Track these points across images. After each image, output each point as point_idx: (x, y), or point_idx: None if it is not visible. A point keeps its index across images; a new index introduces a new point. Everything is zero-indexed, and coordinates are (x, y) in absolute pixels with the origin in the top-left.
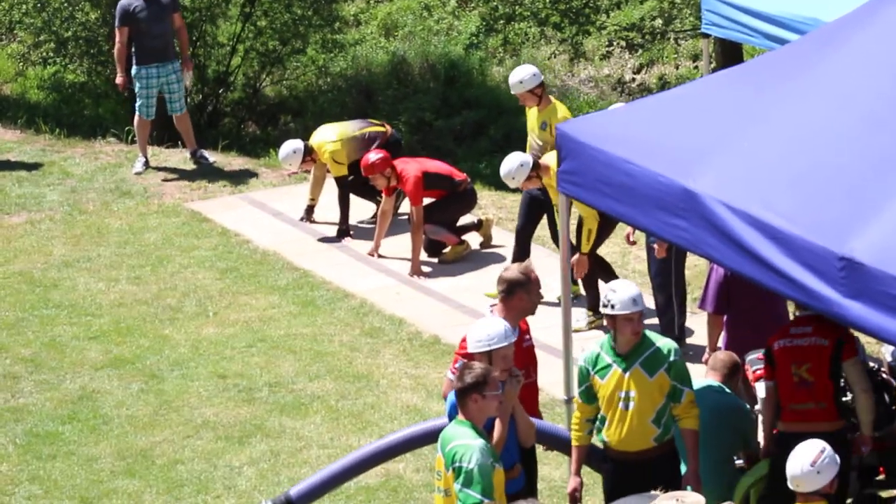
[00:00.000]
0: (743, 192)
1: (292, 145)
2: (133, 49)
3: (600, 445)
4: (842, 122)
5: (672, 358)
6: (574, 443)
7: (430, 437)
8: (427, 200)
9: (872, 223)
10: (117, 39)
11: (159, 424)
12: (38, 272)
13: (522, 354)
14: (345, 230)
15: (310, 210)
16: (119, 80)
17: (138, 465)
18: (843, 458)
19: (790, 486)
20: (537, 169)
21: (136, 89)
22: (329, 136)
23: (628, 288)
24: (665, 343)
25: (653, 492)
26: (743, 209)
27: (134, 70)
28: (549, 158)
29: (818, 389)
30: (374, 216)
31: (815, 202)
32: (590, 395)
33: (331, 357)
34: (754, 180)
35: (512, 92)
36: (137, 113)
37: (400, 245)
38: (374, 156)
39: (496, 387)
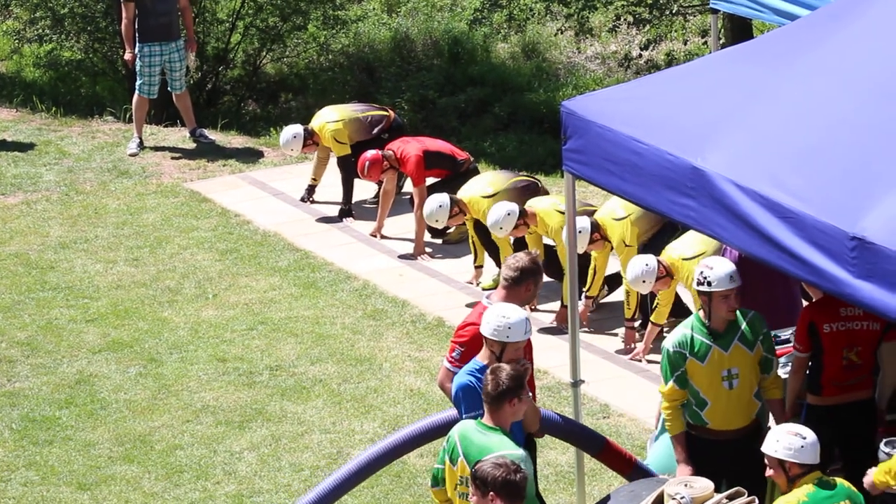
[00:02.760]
0: (752, 171)
1: (292, 130)
2: (136, 26)
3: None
4: (852, 99)
5: (765, 329)
6: (674, 432)
7: (439, 431)
8: (430, 181)
9: (884, 202)
10: (123, 15)
11: (158, 409)
12: (34, 254)
13: None
14: (347, 210)
15: (311, 190)
16: (128, 56)
17: (137, 450)
18: (872, 424)
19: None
20: (524, 216)
21: (138, 67)
22: (331, 117)
23: (725, 264)
24: (753, 315)
25: (661, 476)
26: (752, 188)
27: (137, 48)
28: (535, 203)
29: (863, 368)
30: (377, 196)
31: (826, 181)
32: (684, 380)
33: (333, 340)
34: (764, 158)
35: (501, 237)
36: (137, 91)
37: (403, 226)
38: (366, 164)
39: (528, 391)
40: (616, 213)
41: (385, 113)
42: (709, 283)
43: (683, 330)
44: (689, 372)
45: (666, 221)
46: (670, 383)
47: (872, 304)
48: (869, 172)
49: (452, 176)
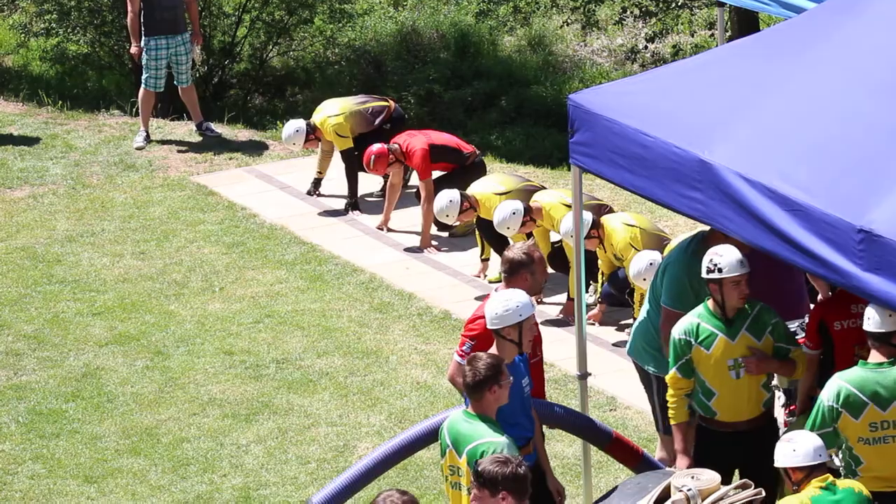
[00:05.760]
0: (759, 164)
1: (295, 125)
2: (142, 20)
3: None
4: (859, 92)
5: (774, 319)
6: (675, 421)
7: None
8: (436, 174)
9: (891, 195)
10: (129, 9)
11: (165, 402)
12: (40, 247)
13: None
14: (353, 204)
15: (317, 183)
16: (134, 49)
17: (143, 443)
18: None
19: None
20: (530, 213)
21: (144, 61)
22: (331, 111)
23: (733, 251)
24: (762, 306)
25: (667, 469)
26: (759, 181)
27: (143, 41)
28: (541, 197)
29: None
30: (383, 189)
31: (833, 174)
32: (689, 368)
33: (339, 333)
34: (771, 151)
35: (509, 236)
36: (144, 85)
37: (409, 219)
38: (372, 157)
39: (508, 375)
40: (626, 219)
41: (385, 103)
42: (719, 270)
43: (691, 318)
44: (696, 360)
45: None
46: (673, 371)
47: (880, 296)
48: (876, 165)
49: (459, 169)
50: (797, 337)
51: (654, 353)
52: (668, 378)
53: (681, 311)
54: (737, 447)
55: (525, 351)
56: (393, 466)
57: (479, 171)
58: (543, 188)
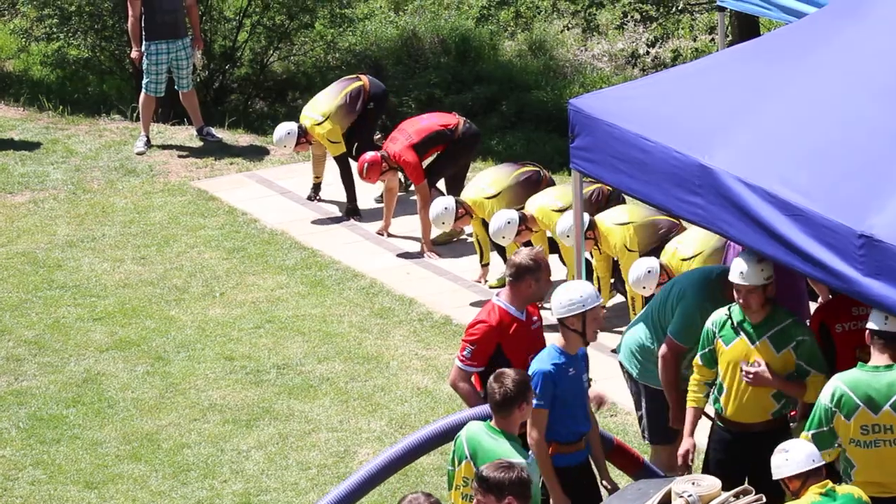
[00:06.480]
0: (760, 169)
1: (286, 127)
2: (143, 24)
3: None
4: (860, 97)
5: (801, 336)
6: (690, 404)
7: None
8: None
9: (891, 200)
10: (130, 13)
11: (165, 407)
12: (41, 252)
13: (532, 337)
14: (353, 209)
15: (317, 188)
16: (134, 54)
17: (144, 449)
18: None
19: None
20: (525, 221)
21: (145, 66)
22: (315, 118)
23: (743, 262)
24: (792, 321)
25: (668, 475)
26: (760, 185)
27: (143, 46)
28: (531, 204)
29: None
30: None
31: (834, 179)
32: (711, 359)
33: (340, 338)
34: (771, 156)
35: (505, 245)
36: (144, 90)
37: (410, 224)
38: (365, 166)
39: (534, 392)
40: (618, 218)
41: (359, 82)
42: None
43: (724, 311)
44: (718, 352)
45: (664, 236)
46: (697, 357)
47: (882, 301)
48: (877, 170)
49: (451, 145)
50: None
51: (641, 360)
52: (694, 361)
53: (685, 345)
54: (746, 449)
55: (590, 341)
56: (395, 473)
57: (471, 139)
58: (537, 169)
